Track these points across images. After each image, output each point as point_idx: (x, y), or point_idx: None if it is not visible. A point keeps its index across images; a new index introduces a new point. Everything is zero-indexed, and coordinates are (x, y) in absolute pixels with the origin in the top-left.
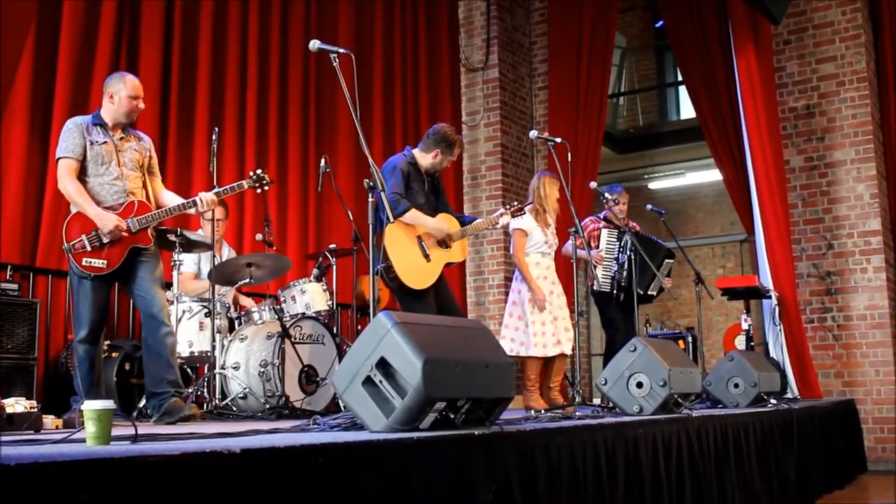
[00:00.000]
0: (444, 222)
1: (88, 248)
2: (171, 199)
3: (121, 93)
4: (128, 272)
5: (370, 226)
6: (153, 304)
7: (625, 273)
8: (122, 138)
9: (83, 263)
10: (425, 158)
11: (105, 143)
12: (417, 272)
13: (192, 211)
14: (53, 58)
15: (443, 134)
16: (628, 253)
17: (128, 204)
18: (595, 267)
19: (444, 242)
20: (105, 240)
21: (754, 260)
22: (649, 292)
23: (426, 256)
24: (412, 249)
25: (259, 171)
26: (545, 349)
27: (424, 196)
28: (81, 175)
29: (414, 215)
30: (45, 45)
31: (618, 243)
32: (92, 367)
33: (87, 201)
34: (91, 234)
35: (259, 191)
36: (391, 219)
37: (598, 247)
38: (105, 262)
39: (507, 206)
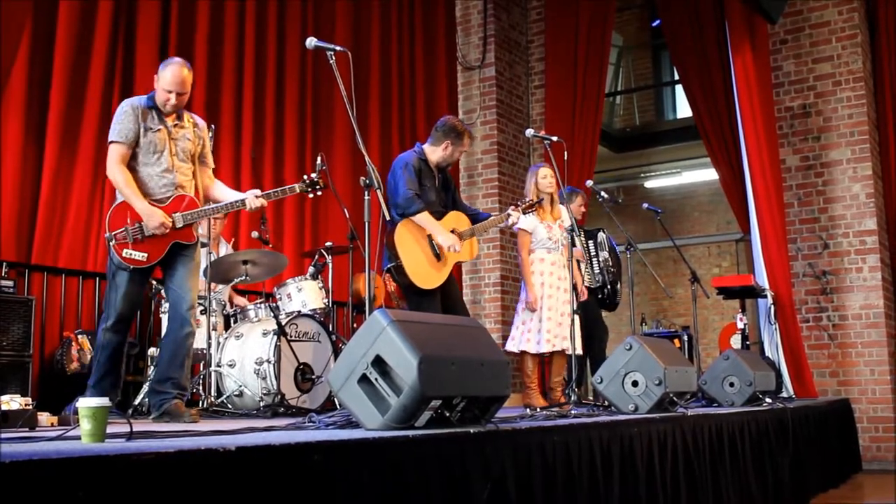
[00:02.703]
0: (451, 236)
1: (130, 240)
2: (223, 193)
3: (158, 81)
4: (166, 263)
5: (366, 224)
6: (183, 302)
7: (612, 270)
8: (175, 125)
9: (123, 255)
10: (435, 152)
11: (159, 130)
12: (427, 271)
13: (238, 208)
14: (49, 55)
15: (451, 125)
16: (607, 249)
17: (175, 198)
18: (580, 264)
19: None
20: (148, 233)
21: (750, 259)
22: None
23: (436, 256)
24: (423, 248)
25: (314, 175)
26: (538, 346)
27: (436, 192)
28: (131, 162)
29: (425, 219)
30: (41, 42)
31: (591, 242)
32: (110, 357)
33: (134, 193)
34: (134, 227)
35: (311, 195)
36: (387, 216)
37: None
38: (145, 255)
39: (519, 204)
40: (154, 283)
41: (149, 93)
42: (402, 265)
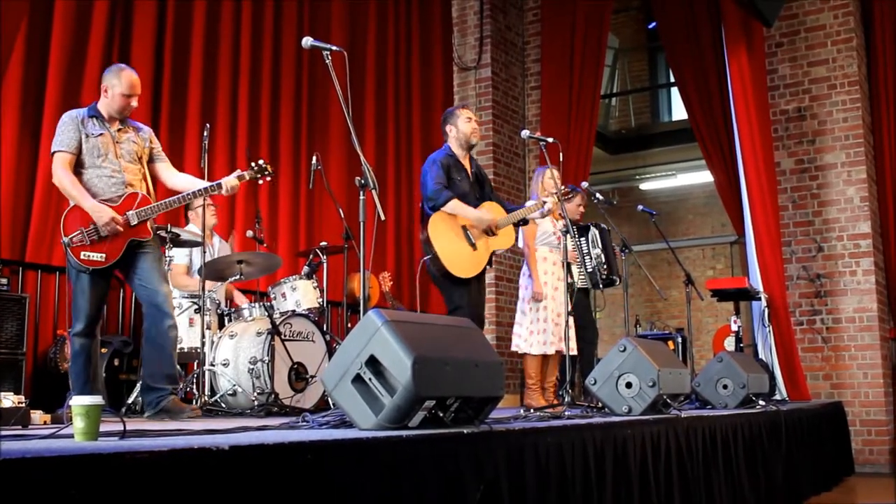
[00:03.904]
0: (487, 213)
1: (87, 242)
2: (188, 182)
3: (115, 88)
4: (128, 263)
5: (361, 224)
6: (157, 295)
7: (604, 266)
8: (119, 130)
9: (81, 257)
10: (454, 142)
11: (101, 134)
12: (463, 261)
13: (213, 193)
14: (45, 53)
15: (446, 111)
16: (599, 246)
17: (127, 196)
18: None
19: (489, 230)
20: (103, 233)
21: (744, 262)
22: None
23: (472, 245)
24: (457, 238)
25: (261, 162)
26: (544, 346)
27: (468, 185)
28: (79, 168)
29: (455, 205)
30: (37, 40)
31: (583, 239)
32: (87, 363)
33: (82, 194)
34: (89, 228)
35: (260, 181)
36: (382, 216)
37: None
38: (103, 255)
39: (555, 191)
40: None
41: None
42: (437, 255)
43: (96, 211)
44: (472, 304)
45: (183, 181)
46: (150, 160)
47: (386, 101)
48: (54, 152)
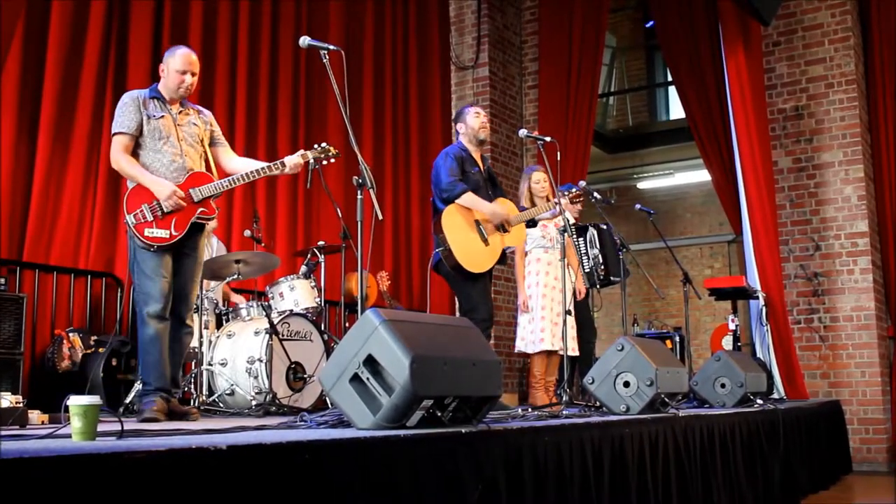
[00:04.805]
0: (501, 207)
1: (150, 219)
2: (247, 166)
3: (169, 66)
4: (177, 253)
5: (359, 223)
6: (182, 303)
7: (601, 267)
8: (180, 112)
9: (146, 234)
10: (464, 139)
11: (162, 117)
12: (476, 255)
13: (276, 172)
14: (42, 52)
15: (455, 112)
16: (597, 246)
17: (189, 176)
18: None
19: (502, 227)
20: (166, 209)
21: (742, 260)
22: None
23: (484, 240)
24: (470, 233)
25: (324, 144)
26: (543, 344)
27: (482, 180)
28: (139, 151)
29: (471, 199)
30: (34, 39)
31: (581, 240)
32: (163, 350)
33: (140, 172)
34: (153, 204)
35: (325, 163)
36: (380, 216)
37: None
38: (168, 232)
39: (566, 192)
40: None
41: (150, 86)
42: (451, 249)
43: (156, 184)
44: (487, 300)
45: (242, 164)
46: (211, 143)
47: (384, 100)
48: (114, 134)
